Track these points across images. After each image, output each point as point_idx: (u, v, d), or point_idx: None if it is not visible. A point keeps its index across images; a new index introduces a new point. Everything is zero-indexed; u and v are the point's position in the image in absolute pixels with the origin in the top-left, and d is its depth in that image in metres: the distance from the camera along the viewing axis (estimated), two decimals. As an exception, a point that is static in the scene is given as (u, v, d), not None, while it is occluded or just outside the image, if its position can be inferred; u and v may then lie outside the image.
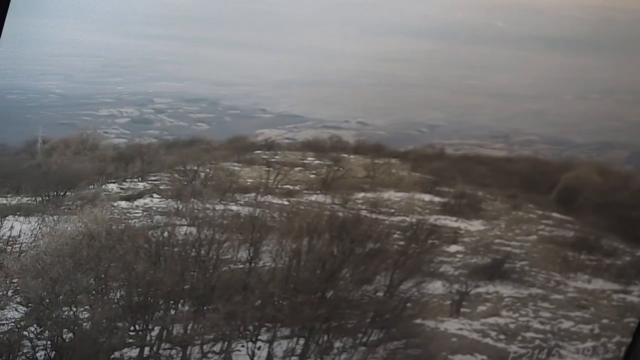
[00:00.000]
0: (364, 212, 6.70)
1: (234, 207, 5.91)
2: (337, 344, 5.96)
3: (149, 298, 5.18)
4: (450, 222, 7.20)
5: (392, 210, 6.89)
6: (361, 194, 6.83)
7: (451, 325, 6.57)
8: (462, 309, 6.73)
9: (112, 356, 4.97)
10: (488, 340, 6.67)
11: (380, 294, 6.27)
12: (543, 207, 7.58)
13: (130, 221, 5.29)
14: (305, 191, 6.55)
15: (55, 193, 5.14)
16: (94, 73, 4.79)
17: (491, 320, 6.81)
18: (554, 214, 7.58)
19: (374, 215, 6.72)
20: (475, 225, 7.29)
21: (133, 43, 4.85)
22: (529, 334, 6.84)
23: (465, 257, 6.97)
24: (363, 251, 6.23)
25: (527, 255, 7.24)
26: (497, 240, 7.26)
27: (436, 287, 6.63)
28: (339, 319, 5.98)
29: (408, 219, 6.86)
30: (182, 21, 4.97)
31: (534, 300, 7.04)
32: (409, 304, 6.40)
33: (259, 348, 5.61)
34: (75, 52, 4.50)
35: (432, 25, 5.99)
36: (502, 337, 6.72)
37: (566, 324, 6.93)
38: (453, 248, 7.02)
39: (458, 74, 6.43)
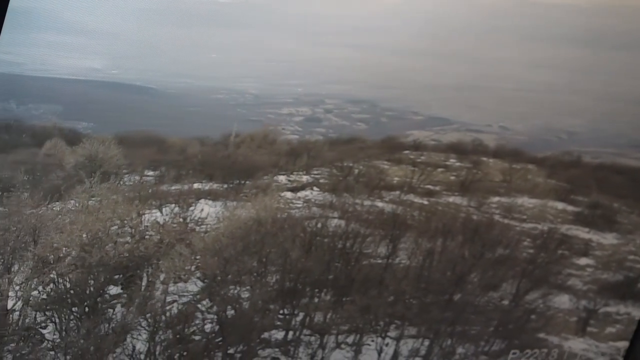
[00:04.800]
0: (497, 217, 6.63)
1: (380, 204, 6.11)
2: (460, 350, 6.03)
3: (298, 285, 5.55)
4: (582, 232, 6.91)
5: (525, 217, 6.75)
6: (496, 198, 6.74)
7: (576, 345, 6.39)
8: (589, 328, 6.50)
9: (262, 336, 5.38)
10: (616, 367, 6.43)
11: (506, 302, 6.23)
12: (684, 224, 7.05)
13: (291, 211, 5.70)
14: (444, 192, 6.59)
15: (237, 181, 5.69)
16: (281, 76, 5.28)
17: (620, 344, 6.52)
18: (696, 233, 7.02)
19: (506, 221, 6.64)
20: (608, 239, 6.94)
21: (311, 50, 5.23)
22: (661, 366, 6.48)
23: (596, 271, 6.69)
24: (492, 256, 6.20)
25: (665, 277, 6.81)
26: (631, 257, 6.88)
27: (562, 301, 6.45)
28: (463, 324, 6.04)
29: (539, 226, 6.70)
30: (351, 30, 5.27)
31: (671, 327, 6.63)
32: (533, 316, 6.30)
33: (386, 344, 5.78)
34: (270, 58, 4.99)
35: (578, 32, 5.79)
36: (632, 365, 6.44)
37: None
38: (583, 261, 6.75)
39: (600, 80, 6.17)
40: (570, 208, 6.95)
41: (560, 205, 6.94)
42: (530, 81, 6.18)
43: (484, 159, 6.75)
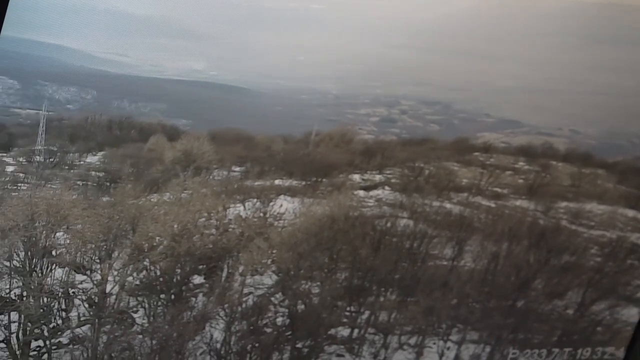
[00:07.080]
0: (564, 222, 6.47)
1: (448, 205, 6.10)
2: (521, 359, 5.92)
3: (365, 282, 5.62)
4: (653, 243, 6.64)
5: (593, 223, 6.55)
6: (564, 203, 6.58)
7: (645, 361, 6.15)
8: (659, 344, 6.24)
9: (329, 332, 5.47)
10: (687, 387, 6.14)
11: (570, 311, 6.07)
12: None
13: (363, 209, 5.77)
14: (512, 195, 6.50)
15: (315, 179, 5.85)
16: (361, 78, 5.40)
17: (692, 361, 6.23)
18: None
19: (573, 227, 6.47)
20: (682, 250, 6.64)
21: (390, 52, 5.31)
22: None
23: (667, 285, 6.42)
24: (558, 263, 6.05)
25: None
26: None
27: (631, 314, 6.21)
28: (526, 332, 5.93)
29: (608, 234, 6.48)
30: (429, 34, 5.30)
31: None
32: (599, 328, 6.10)
33: (448, 348, 5.76)
34: (351, 60, 5.12)
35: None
36: None
37: None
38: (654, 272, 6.49)
39: (675, 84, 5.92)
40: (640, 216, 6.72)
41: (630, 213, 6.71)
42: (602, 84, 6.04)
43: (553, 162, 6.61)
